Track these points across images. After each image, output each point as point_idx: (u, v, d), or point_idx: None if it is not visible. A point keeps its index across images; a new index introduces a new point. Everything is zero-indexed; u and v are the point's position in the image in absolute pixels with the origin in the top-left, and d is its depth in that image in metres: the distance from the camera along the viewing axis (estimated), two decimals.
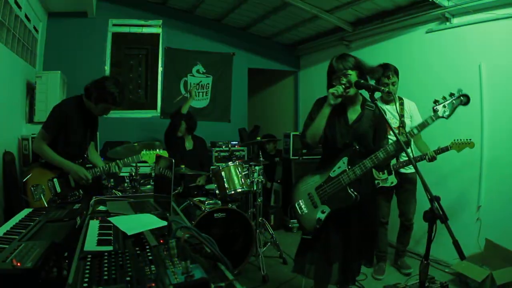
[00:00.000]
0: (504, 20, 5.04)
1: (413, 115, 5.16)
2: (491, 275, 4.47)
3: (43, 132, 4.14)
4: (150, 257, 1.93)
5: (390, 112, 5.12)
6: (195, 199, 5.56)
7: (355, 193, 3.22)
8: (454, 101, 3.10)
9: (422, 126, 3.24)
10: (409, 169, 5.11)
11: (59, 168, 4.17)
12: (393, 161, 5.09)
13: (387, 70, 4.98)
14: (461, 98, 3.08)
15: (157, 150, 4.50)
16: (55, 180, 4.16)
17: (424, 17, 5.96)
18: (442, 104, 3.09)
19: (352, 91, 3.25)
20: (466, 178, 5.52)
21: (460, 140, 4.69)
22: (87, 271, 1.75)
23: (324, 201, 3.37)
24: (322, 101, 3.38)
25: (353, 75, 3.24)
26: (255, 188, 5.74)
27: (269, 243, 6.08)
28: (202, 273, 1.62)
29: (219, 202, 5.39)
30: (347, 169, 3.27)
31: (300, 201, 3.52)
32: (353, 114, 3.44)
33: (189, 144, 6.76)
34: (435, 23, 5.95)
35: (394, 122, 5.07)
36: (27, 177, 4.06)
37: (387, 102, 5.19)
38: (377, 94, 5.16)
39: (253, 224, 5.40)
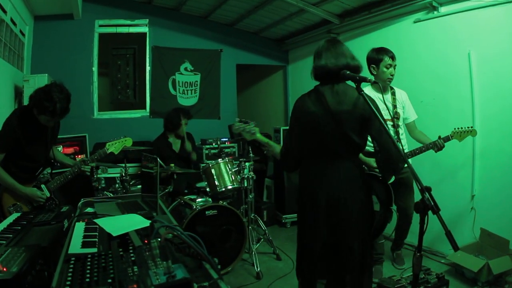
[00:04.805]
0: (493, 7, 5.01)
1: (406, 105, 5.00)
2: (488, 264, 4.45)
3: None
4: (133, 258, 1.91)
5: (383, 101, 5.01)
6: (185, 197, 5.52)
7: None
8: None
9: None
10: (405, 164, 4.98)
11: (28, 180, 4.06)
12: None
13: (390, 52, 4.74)
14: None
15: (122, 137, 4.45)
16: None
17: (412, 7, 5.92)
18: None
19: None
20: (459, 167, 5.52)
21: (461, 128, 4.59)
22: (70, 274, 1.75)
23: None
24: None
25: None
26: (245, 185, 5.70)
27: (262, 239, 6.08)
28: (184, 272, 1.59)
29: (210, 199, 5.36)
30: None
31: None
32: None
33: (176, 146, 6.68)
34: (423, 13, 5.92)
35: (385, 113, 4.84)
36: (1, 201, 3.92)
37: (381, 90, 4.85)
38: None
39: (245, 221, 5.37)
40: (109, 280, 1.65)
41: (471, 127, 4.62)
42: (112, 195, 5.44)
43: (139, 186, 5.59)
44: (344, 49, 3.03)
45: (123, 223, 2.60)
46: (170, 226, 1.97)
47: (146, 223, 2.57)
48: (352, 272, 3.03)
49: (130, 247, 2.09)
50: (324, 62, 2.99)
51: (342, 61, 2.96)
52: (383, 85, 4.79)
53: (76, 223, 2.71)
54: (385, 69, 4.67)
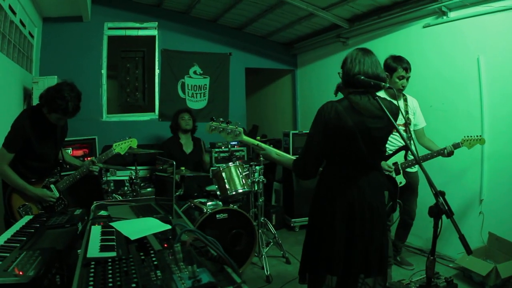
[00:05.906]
0: (502, 13, 5.01)
1: (416, 111, 5.04)
2: (496, 268, 4.46)
3: (3, 151, 3.89)
4: (155, 262, 1.90)
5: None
6: (195, 200, 5.52)
7: None
8: None
9: None
10: (414, 168, 4.96)
11: (37, 181, 4.08)
12: (401, 160, 4.67)
13: (405, 63, 4.69)
14: None
15: (127, 138, 4.50)
16: None
17: (421, 12, 5.93)
18: None
19: None
20: (467, 171, 5.51)
21: (471, 137, 4.64)
22: (91, 278, 1.73)
23: None
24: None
25: None
26: (256, 188, 5.73)
27: (271, 243, 6.07)
28: (210, 277, 1.60)
29: (220, 203, 5.36)
30: None
31: None
32: None
33: (187, 148, 6.75)
34: (432, 18, 5.93)
35: (399, 118, 4.77)
36: (10, 201, 3.93)
37: (393, 97, 4.86)
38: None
39: (255, 224, 5.37)
40: (133, 285, 1.63)
41: (480, 135, 4.67)
42: (121, 198, 5.47)
43: (149, 189, 5.60)
44: (377, 59, 2.99)
45: (140, 227, 2.60)
46: (193, 230, 1.98)
47: (164, 226, 2.57)
48: (383, 271, 3.03)
49: (151, 251, 2.08)
50: (357, 69, 2.87)
51: (378, 70, 2.91)
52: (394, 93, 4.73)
53: (92, 226, 2.71)
54: (397, 80, 4.69)
